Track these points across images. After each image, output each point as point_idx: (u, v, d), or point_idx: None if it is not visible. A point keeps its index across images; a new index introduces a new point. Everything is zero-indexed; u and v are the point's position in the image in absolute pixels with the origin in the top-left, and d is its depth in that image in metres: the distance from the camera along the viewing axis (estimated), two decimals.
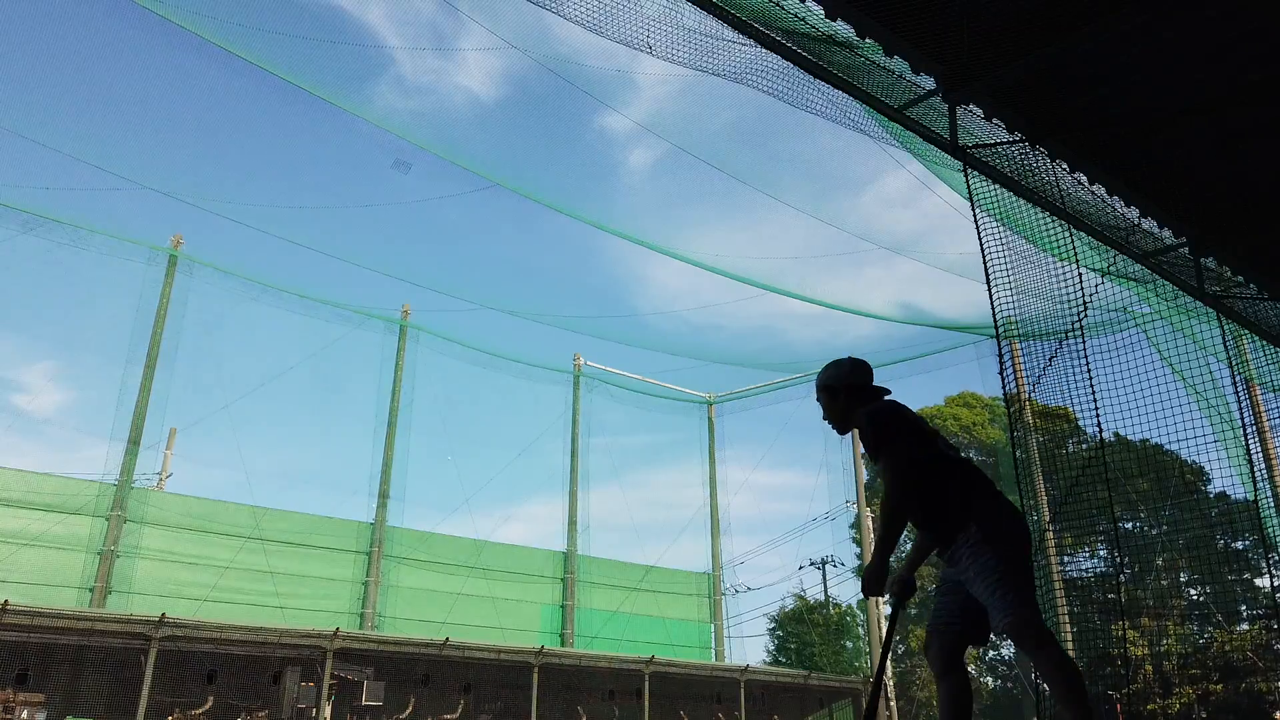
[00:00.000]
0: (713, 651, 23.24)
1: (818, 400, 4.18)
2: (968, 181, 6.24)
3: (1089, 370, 6.16)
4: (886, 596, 3.91)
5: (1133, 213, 7.09)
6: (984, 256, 6.18)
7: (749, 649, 52.92)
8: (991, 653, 33.28)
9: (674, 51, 5.92)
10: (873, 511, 29.79)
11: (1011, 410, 6.73)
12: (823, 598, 33.28)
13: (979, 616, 3.68)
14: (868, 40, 5.30)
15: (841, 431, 4.16)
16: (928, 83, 5.73)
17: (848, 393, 4.04)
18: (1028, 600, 3.55)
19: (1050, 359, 6.29)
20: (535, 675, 16.20)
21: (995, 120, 6.01)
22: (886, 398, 4.05)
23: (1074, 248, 6.44)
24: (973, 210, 6.28)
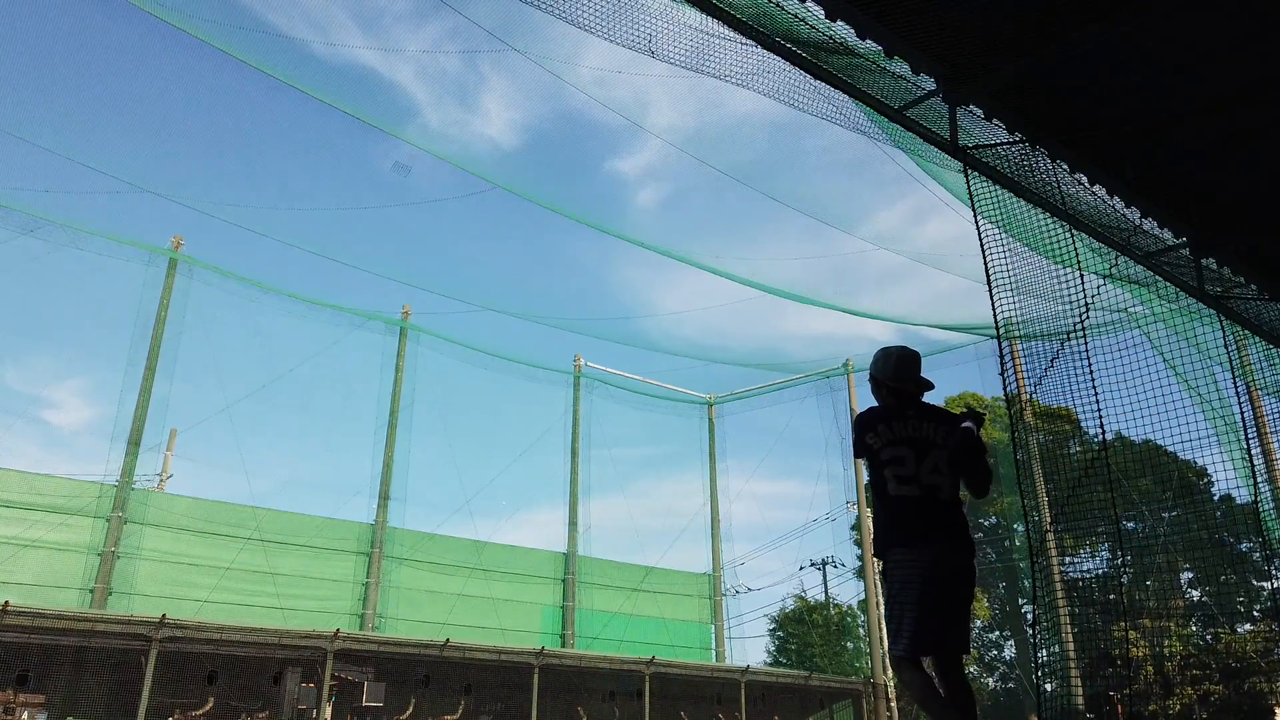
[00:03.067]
0: (713, 652, 23.23)
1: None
2: (968, 182, 6.24)
3: (1091, 371, 6.16)
4: None
5: (1133, 214, 7.08)
6: (984, 257, 6.18)
7: (750, 650, 52.93)
8: (992, 652, 33.27)
9: (675, 54, 5.92)
10: (873, 513, 29.75)
11: (1012, 411, 6.74)
12: (823, 598, 33.29)
13: None
14: (868, 41, 5.30)
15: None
16: (928, 83, 5.73)
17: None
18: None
19: (1052, 360, 6.29)
20: (536, 676, 16.19)
21: (995, 121, 6.01)
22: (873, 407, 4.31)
23: (1075, 248, 6.43)
24: (973, 210, 6.28)
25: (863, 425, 4.14)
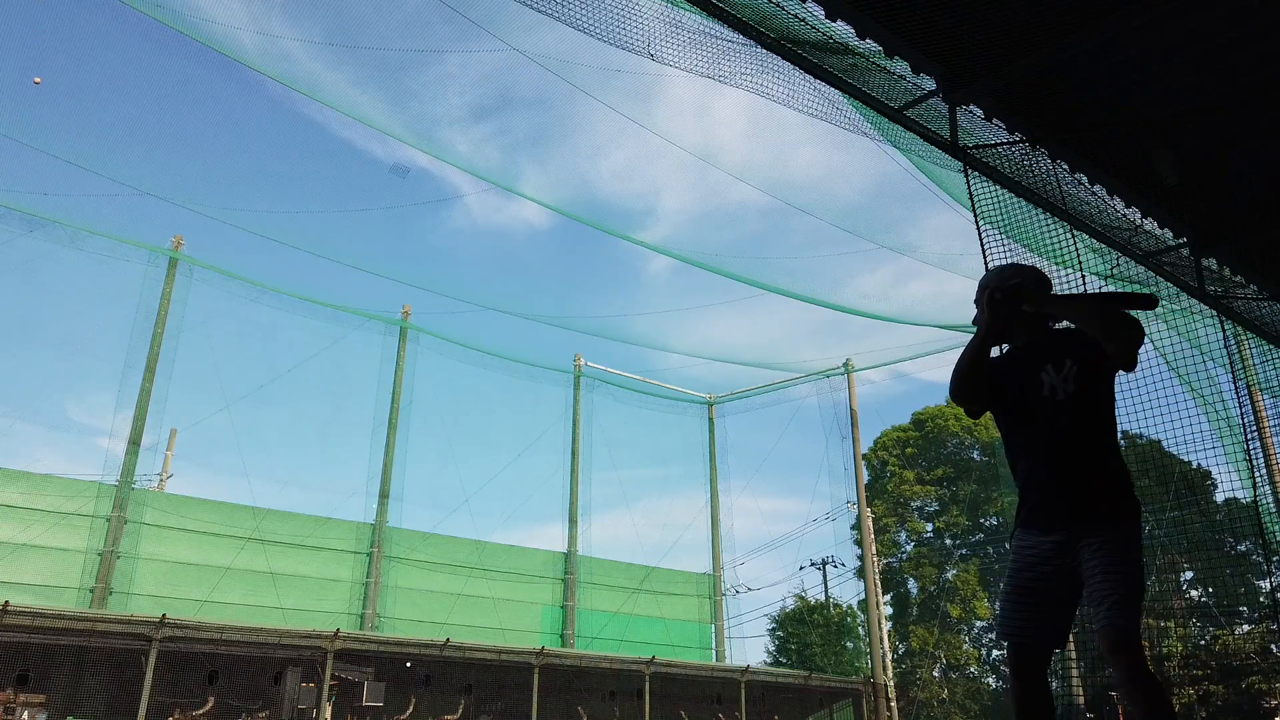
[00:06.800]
0: (713, 652, 23.24)
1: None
2: (968, 182, 6.24)
3: None
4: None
5: (1134, 214, 7.08)
6: (984, 255, 6.18)
7: (749, 650, 52.94)
8: (996, 653, 33.27)
9: (675, 56, 5.92)
10: (873, 512, 29.72)
11: None
12: (823, 598, 33.29)
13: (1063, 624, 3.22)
14: (868, 41, 5.30)
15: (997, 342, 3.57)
16: (928, 83, 5.73)
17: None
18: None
19: None
20: (536, 676, 16.19)
21: (995, 121, 6.01)
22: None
23: (1076, 248, 6.44)
24: (973, 210, 6.28)
25: None
